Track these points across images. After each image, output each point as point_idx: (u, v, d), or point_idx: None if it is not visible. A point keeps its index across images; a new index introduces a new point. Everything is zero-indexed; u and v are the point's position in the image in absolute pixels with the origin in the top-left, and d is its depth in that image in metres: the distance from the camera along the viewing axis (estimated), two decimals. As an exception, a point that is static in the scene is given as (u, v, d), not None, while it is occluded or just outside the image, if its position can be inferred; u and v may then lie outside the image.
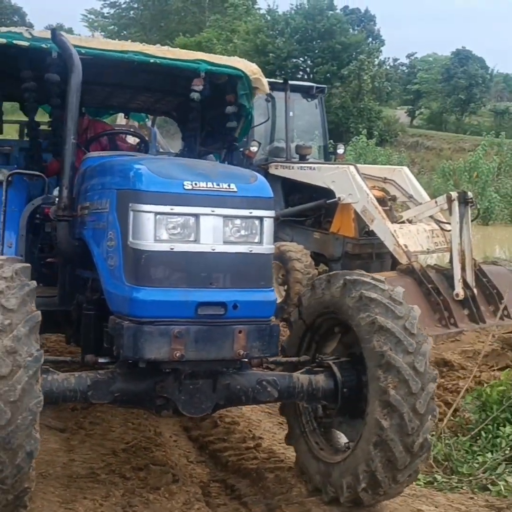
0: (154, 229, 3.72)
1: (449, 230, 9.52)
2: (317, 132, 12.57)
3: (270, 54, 41.81)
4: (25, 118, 7.01)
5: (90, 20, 73.95)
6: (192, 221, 3.77)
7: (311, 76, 40.92)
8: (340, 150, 11.81)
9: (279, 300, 9.93)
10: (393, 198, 10.72)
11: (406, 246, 9.31)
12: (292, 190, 11.11)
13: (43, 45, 4.71)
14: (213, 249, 3.80)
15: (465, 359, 7.63)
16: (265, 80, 5.68)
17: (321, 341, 4.58)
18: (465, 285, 8.96)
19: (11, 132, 7.31)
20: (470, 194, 9.34)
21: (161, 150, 10.94)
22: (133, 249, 3.75)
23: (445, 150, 37.09)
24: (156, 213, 3.72)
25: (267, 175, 11.15)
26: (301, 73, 42.59)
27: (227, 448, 5.28)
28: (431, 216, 9.99)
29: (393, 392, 3.81)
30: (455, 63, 49.69)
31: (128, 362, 3.87)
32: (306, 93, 11.94)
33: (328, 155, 12.00)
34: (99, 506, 4.04)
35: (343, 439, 4.41)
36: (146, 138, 7.17)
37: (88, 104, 6.24)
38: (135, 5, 69.22)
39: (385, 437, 3.82)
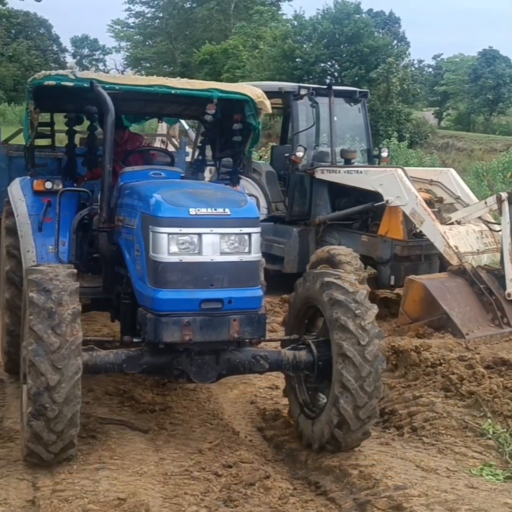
0: (168, 245, 4.86)
1: (498, 231, 9.56)
2: (360, 136, 12.65)
3: (298, 59, 41.89)
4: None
5: (116, 30, 74.69)
6: (196, 239, 4.90)
7: (340, 80, 40.91)
8: (384, 153, 11.85)
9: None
10: (440, 200, 10.79)
11: (456, 247, 9.36)
12: (338, 194, 11.16)
13: (85, 84, 5.69)
14: (212, 259, 4.92)
15: (522, 358, 7.68)
16: (268, 102, 6.52)
17: (307, 326, 5.67)
18: (517, 284, 8.99)
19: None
20: (520, 194, 9.37)
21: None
22: (153, 260, 4.91)
23: (476, 151, 36.87)
24: (169, 233, 4.86)
25: (313, 179, 11.28)
26: (329, 77, 42.59)
27: (304, 447, 5.41)
28: (479, 217, 10.04)
29: (347, 345, 4.90)
30: (482, 63, 49.45)
31: (152, 343, 4.94)
32: (349, 97, 11.98)
33: (372, 159, 12.06)
34: (201, 501, 4.22)
35: (324, 400, 5.40)
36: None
37: (127, 113, 7.36)
38: (161, 15, 69.50)
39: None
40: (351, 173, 10.82)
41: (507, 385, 6.79)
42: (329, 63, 43.17)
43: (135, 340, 5.09)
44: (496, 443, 5.47)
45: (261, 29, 50.96)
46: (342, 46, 41.95)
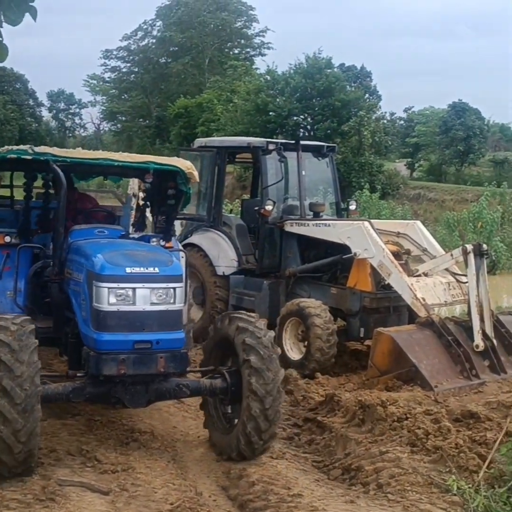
0: (107, 297, 5.98)
1: (465, 282, 9.64)
2: (329, 189, 12.77)
3: (271, 113, 42.40)
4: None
5: (92, 85, 75.45)
6: (131, 292, 6.02)
7: (312, 133, 41.43)
8: (352, 206, 11.92)
9: (298, 357, 10.02)
10: (408, 252, 10.87)
11: (424, 299, 9.41)
12: (307, 247, 11.22)
13: (41, 158, 6.69)
14: (144, 309, 6.05)
15: (490, 411, 7.62)
16: (196, 173, 7.58)
17: (221, 358, 6.77)
18: (485, 336, 9.01)
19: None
20: (485, 246, 9.49)
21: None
22: (95, 309, 6.04)
23: (448, 201, 37.28)
24: (109, 288, 6.00)
25: (282, 232, 11.35)
26: (301, 130, 43.12)
27: (267, 506, 5.34)
28: (446, 269, 10.13)
29: (253, 382, 6.15)
30: (452, 115, 50.36)
31: (94, 375, 6.05)
32: (317, 152, 12.12)
33: (341, 212, 12.15)
34: None
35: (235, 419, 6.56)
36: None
37: (77, 172, 8.45)
38: (136, 69, 70.38)
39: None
40: (320, 226, 10.90)
41: (475, 438, 6.76)
42: (301, 116, 43.67)
43: (79, 374, 6.18)
44: (461, 499, 5.43)
45: (235, 83, 51.67)
46: (314, 100, 42.52)
